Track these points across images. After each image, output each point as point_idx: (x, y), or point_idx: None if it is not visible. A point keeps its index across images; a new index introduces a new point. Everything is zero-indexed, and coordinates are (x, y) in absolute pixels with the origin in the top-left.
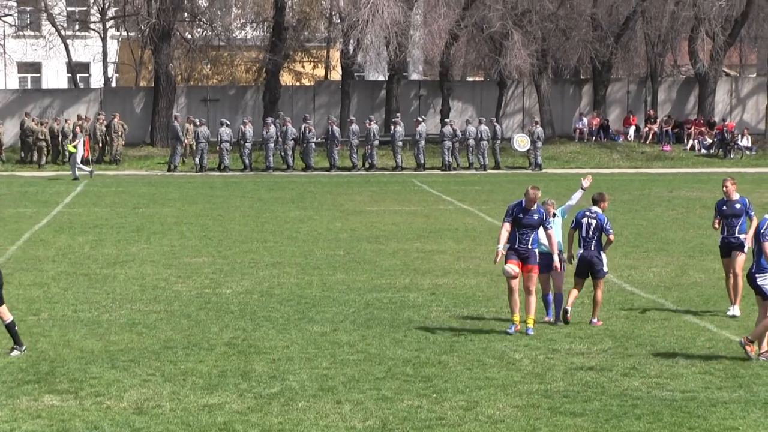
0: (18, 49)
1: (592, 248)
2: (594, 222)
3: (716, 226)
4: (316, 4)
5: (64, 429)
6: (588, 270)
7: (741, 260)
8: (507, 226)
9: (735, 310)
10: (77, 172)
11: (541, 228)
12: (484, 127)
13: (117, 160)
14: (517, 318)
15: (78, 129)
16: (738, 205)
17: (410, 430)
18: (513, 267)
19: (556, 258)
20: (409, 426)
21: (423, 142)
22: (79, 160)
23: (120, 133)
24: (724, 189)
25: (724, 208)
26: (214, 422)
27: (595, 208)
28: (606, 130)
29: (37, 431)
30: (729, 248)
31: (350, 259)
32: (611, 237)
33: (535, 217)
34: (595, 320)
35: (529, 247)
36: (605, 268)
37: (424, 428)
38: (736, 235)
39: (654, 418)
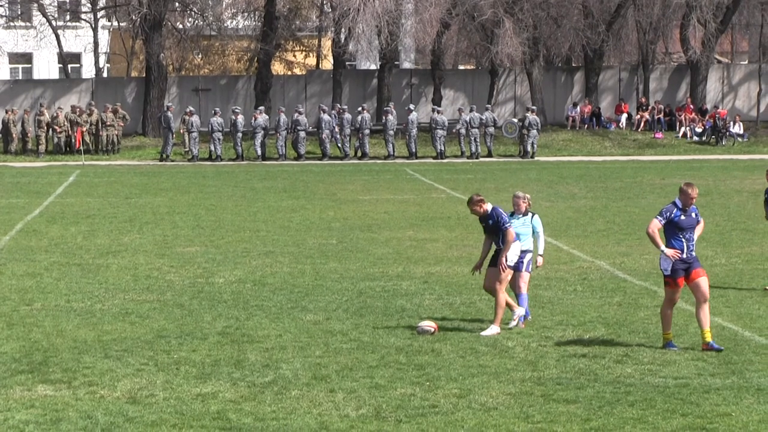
0: (9, 40)
1: None
2: None
3: None
4: None
5: (57, 418)
6: None
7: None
8: (659, 225)
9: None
10: None
11: (525, 227)
12: (475, 115)
13: (107, 150)
14: (670, 335)
15: None
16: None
17: (403, 418)
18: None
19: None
20: (402, 414)
21: (415, 130)
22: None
23: (112, 123)
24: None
25: None
26: (208, 411)
27: None
28: (598, 117)
29: (31, 421)
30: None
31: (343, 248)
32: None
33: (693, 215)
34: None
35: (693, 253)
36: None
37: (417, 416)
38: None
39: (647, 405)
